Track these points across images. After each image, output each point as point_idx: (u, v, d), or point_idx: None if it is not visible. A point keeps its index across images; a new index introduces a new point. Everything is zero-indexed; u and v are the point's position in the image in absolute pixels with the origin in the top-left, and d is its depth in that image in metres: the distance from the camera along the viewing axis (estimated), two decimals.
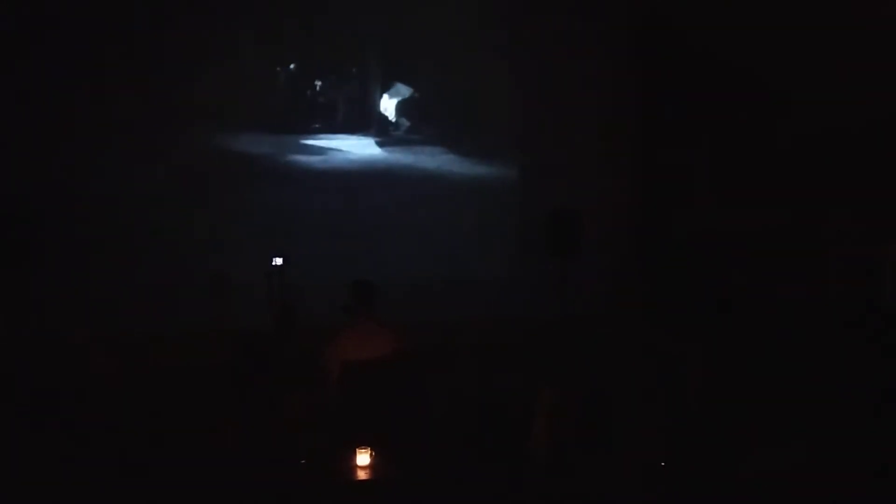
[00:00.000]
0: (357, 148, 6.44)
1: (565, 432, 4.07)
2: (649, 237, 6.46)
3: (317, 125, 6.40)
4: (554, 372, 4.46)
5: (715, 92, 6.43)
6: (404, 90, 6.65)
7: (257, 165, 6.15)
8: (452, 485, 3.60)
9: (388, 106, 6.61)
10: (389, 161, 6.50)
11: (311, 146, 6.34)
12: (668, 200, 6.67)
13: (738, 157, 6.46)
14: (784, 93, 6.24)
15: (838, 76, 5.81)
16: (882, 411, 4.65)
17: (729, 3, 6.20)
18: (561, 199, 6.20)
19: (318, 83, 6.48)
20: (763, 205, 6.23)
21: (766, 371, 5.19)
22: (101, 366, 4.92)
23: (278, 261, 4.96)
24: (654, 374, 5.07)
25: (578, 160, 6.50)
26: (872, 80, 5.62)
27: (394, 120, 6.60)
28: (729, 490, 3.82)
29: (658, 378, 5.02)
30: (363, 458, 3.49)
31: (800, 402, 4.88)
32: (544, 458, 3.94)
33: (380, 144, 6.52)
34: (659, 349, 5.39)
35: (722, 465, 4.05)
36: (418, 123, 6.63)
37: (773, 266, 6.09)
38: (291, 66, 6.43)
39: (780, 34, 5.93)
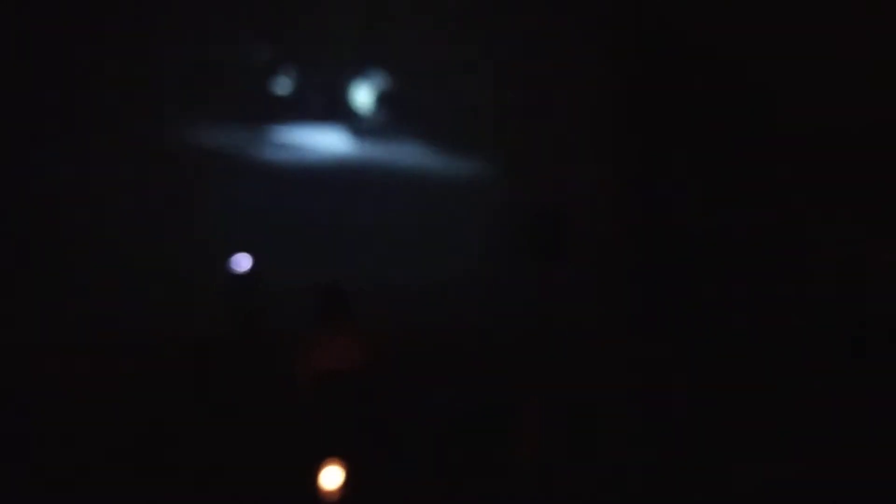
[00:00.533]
0: (328, 141, 6.23)
1: (548, 442, 3.98)
2: (636, 239, 6.36)
3: (287, 117, 6.17)
4: (537, 381, 4.32)
5: (703, 91, 6.39)
6: (381, 83, 6.45)
7: (222, 158, 5.90)
8: (429, 497, 3.51)
9: (363, 98, 6.40)
10: (364, 156, 6.29)
11: (281, 139, 6.11)
12: (654, 202, 6.59)
13: (726, 157, 6.43)
14: (771, 94, 6.24)
15: (824, 79, 5.80)
16: (872, 413, 4.61)
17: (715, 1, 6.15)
18: (544, 199, 6.06)
19: (290, 73, 6.24)
20: (751, 206, 6.21)
21: (754, 375, 5.13)
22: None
23: (243, 261, 4.73)
24: (639, 383, 4.98)
25: (562, 159, 6.37)
26: (859, 84, 5.62)
27: (369, 113, 6.41)
28: (716, 500, 3.76)
29: (644, 387, 4.92)
30: (333, 471, 3.35)
31: (789, 406, 4.82)
32: (527, 468, 3.85)
33: (354, 138, 6.32)
34: (645, 357, 5.30)
35: (709, 474, 3.97)
36: (395, 117, 6.44)
37: (760, 268, 6.06)
38: (262, 55, 6.20)
39: (769, 32, 5.88)
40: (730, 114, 6.39)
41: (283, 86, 6.21)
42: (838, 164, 5.89)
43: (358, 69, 6.40)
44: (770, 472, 3.92)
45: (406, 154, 6.42)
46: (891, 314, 5.53)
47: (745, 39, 6.15)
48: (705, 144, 6.51)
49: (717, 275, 5.98)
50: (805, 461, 4.08)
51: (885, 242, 5.65)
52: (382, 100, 6.43)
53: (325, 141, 6.24)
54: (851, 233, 5.84)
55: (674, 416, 4.55)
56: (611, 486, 3.83)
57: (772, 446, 4.31)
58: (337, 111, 6.33)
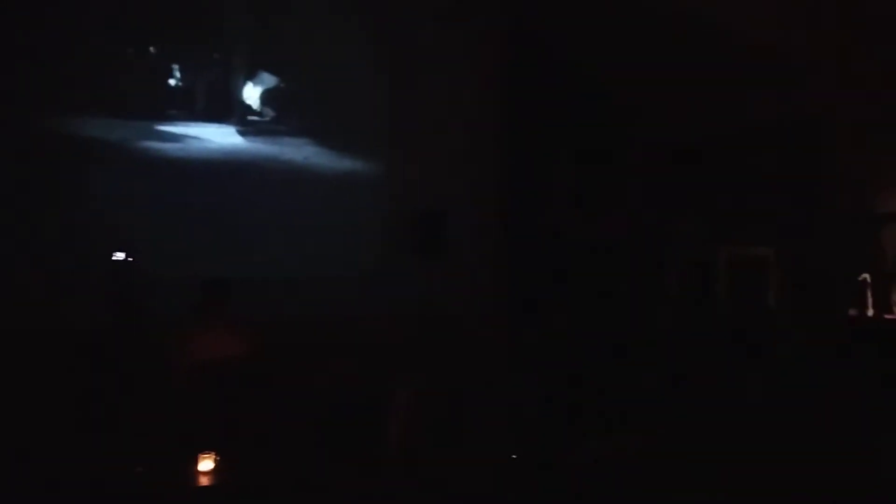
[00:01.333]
0: (217, 136, 6.17)
1: (418, 429, 4.15)
2: (512, 237, 6.67)
3: (173, 111, 6.07)
4: (411, 370, 4.52)
5: (577, 99, 6.76)
6: (269, 79, 6.45)
7: (105, 152, 5.74)
8: (302, 486, 3.58)
9: (251, 94, 6.38)
10: (252, 151, 6.28)
11: (166, 133, 6.00)
12: (531, 202, 6.92)
13: (596, 162, 6.84)
14: (638, 104, 6.68)
15: (686, 93, 6.29)
16: (715, 395, 5.12)
17: (593, 15, 6.50)
18: (428, 196, 6.25)
19: (176, 66, 6.14)
20: (614, 208, 6.64)
21: (615, 362, 5.55)
22: None
23: (119, 255, 4.67)
24: (510, 371, 5.29)
25: (445, 158, 6.59)
26: (718, 97, 6.13)
27: (258, 109, 6.39)
28: (577, 480, 4.04)
29: (514, 374, 5.24)
30: (206, 463, 3.39)
31: (643, 390, 5.28)
32: (397, 455, 4.00)
33: (242, 134, 6.28)
34: (517, 347, 5.62)
35: (570, 456, 4.29)
36: (284, 114, 6.46)
37: (621, 266, 6.51)
38: (147, 47, 6.07)
39: (638, 49, 6.30)
40: (598, 123, 6.81)
41: (169, 79, 6.11)
42: (695, 171, 6.42)
43: (248, 65, 6.38)
44: (619, 446, 4.28)
45: (296, 151, 6.46)
46: (734, 304, 6.13)
47: (616, 56, 6.56)
48: (577, 151, 6.92)
49: (585, 270, 6.38)
50: (652, 435, 4.50)
51: (731, 243, 6.21)
52: (273, 96, 6.44)
53: (214, 135, 6.18)
54: (703, 234, 6.39)
55: (540, 400, 4.87)
56: (480, 470, 4.05)
57: (628, 422, 4.71)
58: (226, 106, 6.29)
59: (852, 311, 5.33)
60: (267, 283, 5.60)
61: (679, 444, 4.42)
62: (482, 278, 6.36)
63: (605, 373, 5.38)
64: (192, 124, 6.11)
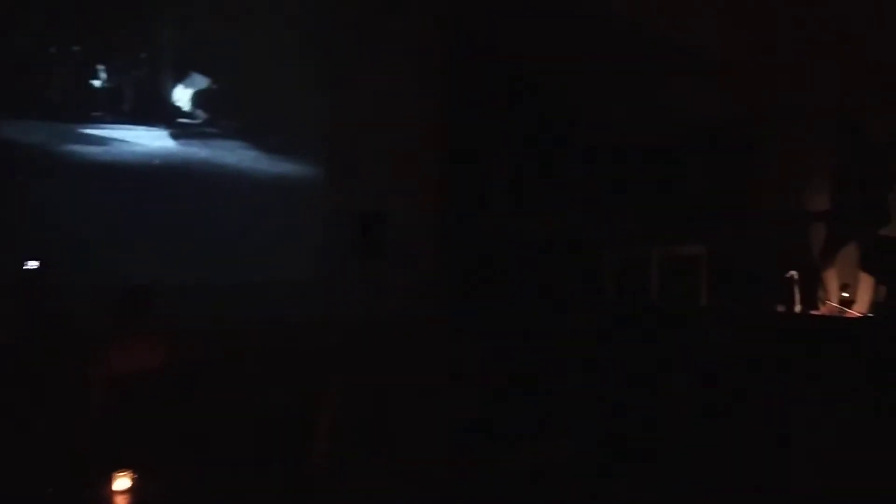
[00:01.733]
0: (146, 140, 5.98)
1: (346, 435, 4.10)
2: (452, 240, 6.66)
3: (99, 113, 5.85)
4: (344, 376, 4.45)
5: (515, 102, 6.79)
6: (201, 80, 6.28)
7: (26, 155, 5.50)
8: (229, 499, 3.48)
9: (182, 96, 6.20)
10: (183, 155, 6.10)
11: (92, 136, 5.78)
12: (471, 204, 6.91)
13: (534, 163, 6.89)
14: (576, 106, 6.74)
15: (624, 95, 6.37)
16: (645, 396, 5.17)
17: (532, 22, 6.53)
18: (367, 200, 6.18)
19: (102, 67, 5.92)
20: (554, 209, 6.70)
21: (553, 366, 5.57)
22: None
23: (33, 264, 4.47)
24: (446, 376, 5.25)
25: (385, 161, 6.52)
26: (651, 99, 6.22)
27: (189, 111, 6.21)
28: (507, 484, 4.04)
29: (450, 379, 5.21)
30: (122, 482, 3.26)
31: (578, 393, 5.30)
32: (326, 462, 3.94)
33: (173, 137, 6.10)
34: (454, 352, 5.59)
35: (500, 458, 4.28)
36: (216, 116, 6.29)
37: (559, 266, 6.56)
38: (71, 46, 5.84)
39: (574, 51, 6.35)
40: (537, 125, 6.86)
41: (95, 80, 5.89)
42: (628, 172, 6.52)
43: (178, 66, 6.20)
44: (548, 452, 4.30)
45: (230, 154, 6.31)
46: (665, 302, 6.24)
47: (553, 60, 6.61)
48: (516, 152, 6.95)
49: (523, 272, 6.41)
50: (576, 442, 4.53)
51: (663, 242, 6.32)
52: (205, 98, 6.27)
53: (143, 138, 5.98)
54: (636, 233, 6.49)
55: (472, 403, 4.85)
56: (410, 477, 4.01)
57: (561, 427, 4.73)
58: (156, 108, 6.09)
59: (780, 308, 5.46)
60: (200, 291, 5.45)
61: (610, 449, 4.46)
62: (422, 280, 6.31)
63: (543, 376, 5.39)
64: (120, 127, 5.91)
